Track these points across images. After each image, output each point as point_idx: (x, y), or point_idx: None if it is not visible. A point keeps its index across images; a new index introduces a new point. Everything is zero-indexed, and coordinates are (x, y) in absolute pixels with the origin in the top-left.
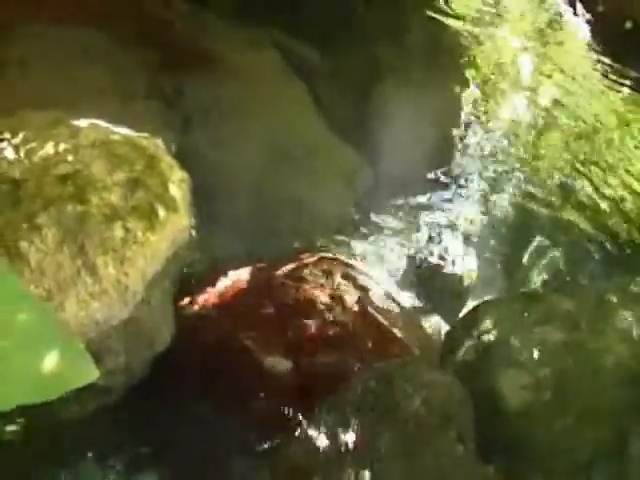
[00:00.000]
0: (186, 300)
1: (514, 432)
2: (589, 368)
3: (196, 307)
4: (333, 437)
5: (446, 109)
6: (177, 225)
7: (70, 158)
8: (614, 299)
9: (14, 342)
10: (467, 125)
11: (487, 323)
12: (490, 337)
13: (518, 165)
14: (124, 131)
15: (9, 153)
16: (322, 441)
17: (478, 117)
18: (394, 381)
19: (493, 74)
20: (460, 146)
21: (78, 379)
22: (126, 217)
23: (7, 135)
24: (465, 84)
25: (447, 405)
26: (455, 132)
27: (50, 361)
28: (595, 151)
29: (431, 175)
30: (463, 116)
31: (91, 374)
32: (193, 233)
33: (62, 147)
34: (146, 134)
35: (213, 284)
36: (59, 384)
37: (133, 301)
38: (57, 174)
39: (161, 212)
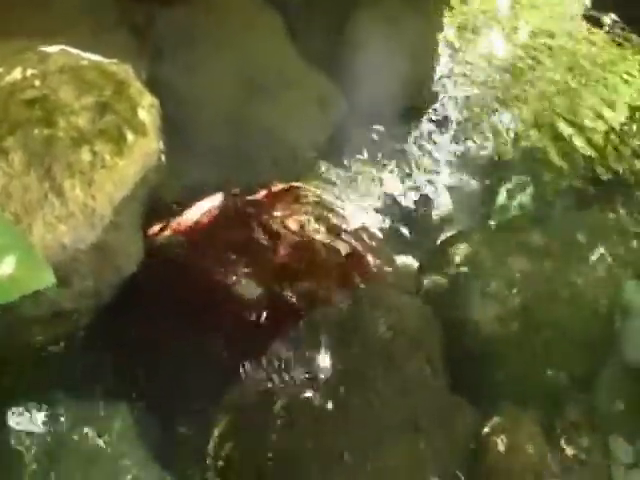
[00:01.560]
0: (155, 226)
1: (484, 361)
2: (560, 299)
3: (165, 233)
4: (300, 361)
5: (423, 42)
6: (146, 149)
7: (38, 83)
8: (585, 232)
9: None
10: (443, 59)
11: (459, 253)
12: (462, 267)
13: (495, 102)
14: (94, 57)
15: None
16: (290, 365)
17: (455, 52)
18: (363, 305)
19: (473, 10)
20: (436, 79)
21: (35, 283)
22: (94, 141)
23: None
24: (443, 17)
25: (417, 329)
26: (431, 65)
27: (6, 265)
28: (577, 91)
29: (405, 107)
30: (439, 50)
31: (47, 279)
32: (163, 158)
33: (30, 72)
34: (115, 60)
35: (183, 211)
36: (15, 287)
37: (101, 225)
38: (24, 99)
39: (130, 136)
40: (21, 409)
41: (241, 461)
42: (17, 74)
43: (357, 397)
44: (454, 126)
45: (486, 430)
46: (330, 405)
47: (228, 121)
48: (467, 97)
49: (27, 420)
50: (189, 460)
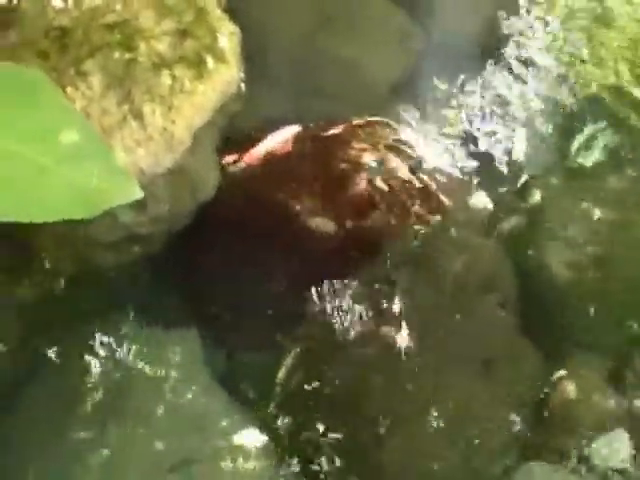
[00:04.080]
0: (232, 154)
1: (556, 306)
2: (636, 248)
3: (241, 162)
4: (372, 295)
5: None
6: (226, 76)
7: (118, 7)
8: None
9: (56, 157)
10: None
11: (534, 197)
12: (536, 211)
13: (574, 53)
14: None
15: (58, 2)
16: (362, 299)
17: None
18: (437, 242)
19: None
20: (518, 19)
21: (121, 196)
22: (174, 66)
23: None
24: None
25: (490, 269)
26: (514, 4)
27: (93, 177)
28: None
29: (485, 48)
30: None
31: (134, 192)
32: (242, 87)
33: None
34: None
35: (260, 141)
36: (102, 200)
37: (179, 150)
38: (105, 23)
39: (210, 62)
40: (90, 333)
41: (309, 392)
42: None
43: (429, 333)
44: (534, 67)
45: (554, 375)
46: (401, 339)
47: (304, 53)
48: (549, 38)
49: (95, 344)
50: (256, 389)
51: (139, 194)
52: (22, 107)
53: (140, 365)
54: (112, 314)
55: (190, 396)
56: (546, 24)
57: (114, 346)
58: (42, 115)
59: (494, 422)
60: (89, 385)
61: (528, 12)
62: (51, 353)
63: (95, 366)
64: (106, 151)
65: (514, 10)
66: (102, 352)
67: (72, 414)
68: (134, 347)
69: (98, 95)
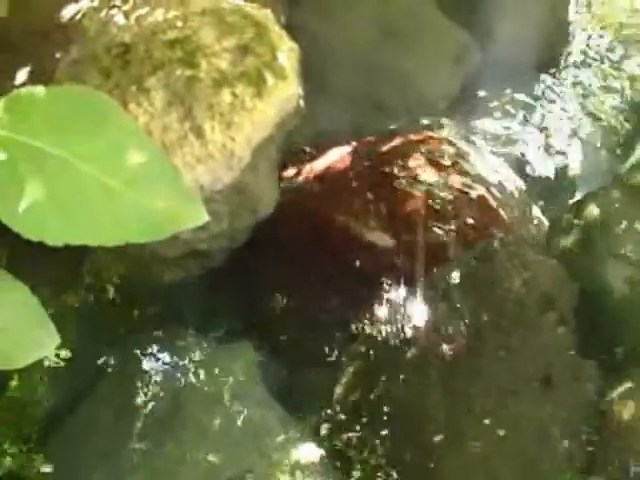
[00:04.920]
0: (290, 170)
1: (614, 324)
2: None
3: (300, 178)
4: (431, 311)
5: None
6: (285, 93)
7: (179, 24)
8: None
9: (123, 179)
10: (582, 13)
11: (592, 213)
12: (594, 227)
13: (633, 68)
14: (234, 0)
15: (119, 19)
16: (420, 315)
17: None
18: (496, 259)
19: None
20: (575, 38)
21: (188, 220)
22: (234, 83)
23: (117, 2)
24: None
25: (550, 287)
26: (570, 20)
27: (160, 199)
28: None
29: (541, 63)
30: (578, 7)
31: (201, 216)
32: (301, 103)
33: (172, 14)
34: (255, 4)
35: (318, 156)
36: (169, 223)
37: (238, 166)
38: (166, 39)
39: (270, 79)
40: (147, 346)
41: (366, 409)
42: (159, 15)
43: (488, 349)
44: (592, 82)
45: (614, 393)
46: (460, 355)
47: (363, 67)
48: (606, 51)
49: (153, 357)
50: (313, 405)
51: (205, 218)
52: (89, 128)
53: (197, 378)
54: (169, 327)
55: (246, 410)
56: (603, 38)
57: (172, 359)
58: (109, 136)
59: (553, 440)
60: (146, 397)
61: (585, 27)
62: (110, 364)
63: (152, 378)
64: (173, 173)
65: (571, 25)
66: (160, 364)
67: (129, 425)
68: (192, 360)
69: (160, 112)
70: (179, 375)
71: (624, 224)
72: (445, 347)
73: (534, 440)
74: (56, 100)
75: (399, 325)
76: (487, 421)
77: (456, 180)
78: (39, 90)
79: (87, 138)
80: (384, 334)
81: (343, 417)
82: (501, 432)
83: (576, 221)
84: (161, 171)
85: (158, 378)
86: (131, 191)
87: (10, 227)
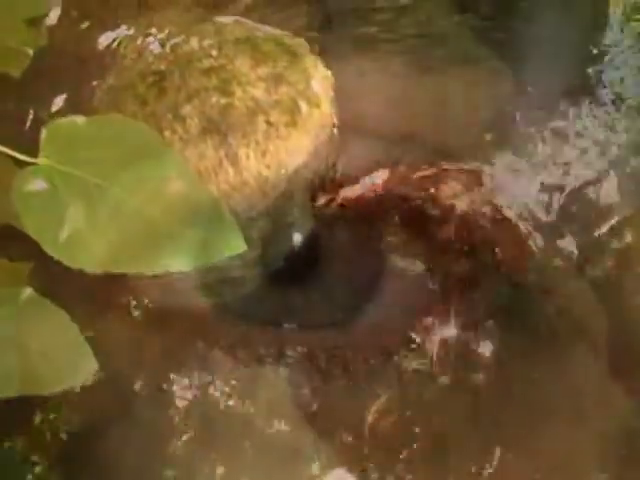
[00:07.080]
0: (324, 197)
1: None
2: None
3: (333, 205)
4: (462, 339)
5: (597, 15)
6: (319, 121)
7: (214, 53)
8: None
9: (163, 208)
10: (615, 35)
11: (626, 239)
12: (628, 253)
13: None
14: (268, 29)
15: (155, 47)
16: (451, 343)
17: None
18: (528, 287)
19: None
20: (612, 60)
21: (226, 249)
22: (269, 111)
23: (153, 30)
24: None
25: (582, 314)
26: (607, 42)
27: (200, 229)
28: None
29: (577, 90)
30: (616, 25)
31: (239, 245)
32: (335, 131)
33: (206, 42)
34: (289, 33)
35: (351, 183)
36: (208, 253)
37: (273, 194)
38: (201, 67)
39: (304, 107)
40: (179, 374)
41: (399, 437)
42: (194, 44)
43: (520, 379)
44: (628, 107)
45: None
46: (490, 386)
47: (396, 94)
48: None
49: (185, 379)
50: (346, 431)
51: (243, 247)
52: (129, 157)
53: (229, 400)
54: (200, 355)
55: (279, 434)
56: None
57: (203, 381)
58: (149, 165)
59: (586, 471)
60: (177, 419)
61: (622, 52)
62: (141, 386)
63: (184, 400)
64: (213, 201)
65: (608, 51)
66: (191, 387)
67: (161, 448)
68: (224, 382)
69: (195, 139)
70: (210, 398)
71: None
72: (476, 377)
73: (567, 471)
74: (97, 129)
75: (430, 354)
76: (518, 452)
77: (488, 210)
78: (80, 119)
79: (127, 167)
80: (416, 363)
81: (376, 444)
82: (533, 463)
83: (610, 247)
84: (200, 200)
85: (189, 401)
86: (170, 220)
87: (51, 255)
